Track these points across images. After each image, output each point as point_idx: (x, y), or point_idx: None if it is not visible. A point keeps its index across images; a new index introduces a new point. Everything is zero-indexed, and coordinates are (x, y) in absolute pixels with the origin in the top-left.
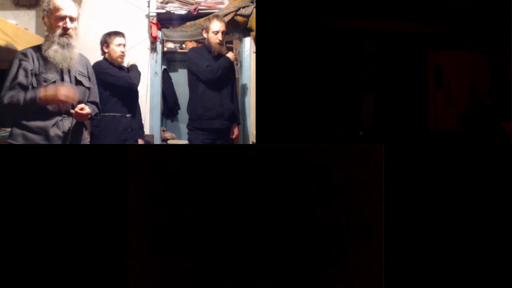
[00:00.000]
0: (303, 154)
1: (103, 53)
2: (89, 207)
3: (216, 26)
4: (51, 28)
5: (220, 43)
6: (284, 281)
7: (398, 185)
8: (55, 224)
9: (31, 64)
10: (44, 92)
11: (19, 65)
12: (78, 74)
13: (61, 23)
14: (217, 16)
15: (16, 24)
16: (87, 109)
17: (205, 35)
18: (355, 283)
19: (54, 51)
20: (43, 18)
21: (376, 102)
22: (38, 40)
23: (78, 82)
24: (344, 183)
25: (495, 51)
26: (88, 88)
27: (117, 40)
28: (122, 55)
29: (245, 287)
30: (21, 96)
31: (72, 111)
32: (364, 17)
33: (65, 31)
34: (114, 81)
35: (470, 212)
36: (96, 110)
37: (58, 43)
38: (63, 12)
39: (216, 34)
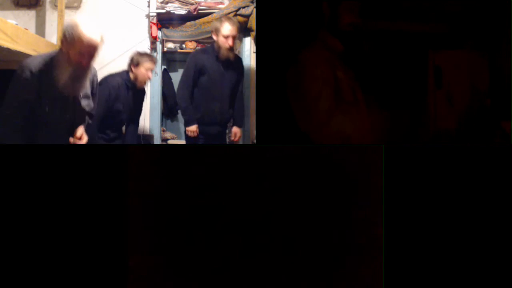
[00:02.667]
0: (303, 154)
1: (130, 70)
2: (89, 208)
3: (227, 29)
4: (68, 58)
5: (230, 49)
6: (284, 281)
7: (398, 185)
8: (54, 225)
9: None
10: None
11: (22, 82)
12: (82, 98)
13: (81, 59)
14: (229, 19)
15: (16, 24)
16: (85, 139)
17: (214, 37)
18: (355, 283)
19: (63, 85)
20: (61, 42)
21: (376, 102)
22: (38, 40)
23: (81, 111)
24: (344, 183)
25: (495, 51)
26: (89, 113)
27: (149, 64)
28: (148, 80)
29: (243, 286)
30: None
31: (71, 139)
32: (364, 17)
33: (82, 65)
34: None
35: (470, 212)
36: (89, 121)
37: (70, 77)
38: (85, 46)
39: (226, 38)
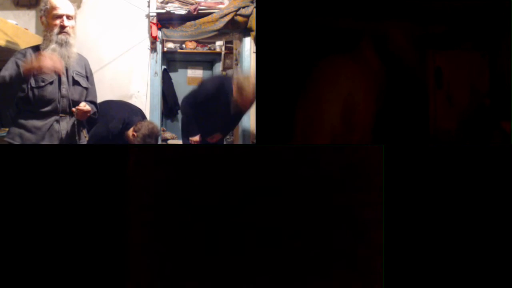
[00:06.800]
0: (303, 154)
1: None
2: (89, 208)
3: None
4: (49, 27)
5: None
6: (284, 282)
7: (398, 185)
8: (54, 226)
9: (29, 63)
10: (27, 65)
11: (15, 63)
12: (76, 74)
13: (58, 22)
14: None
15: (16, 24)
16: (87, 107)
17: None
18: (355, 284)
19: (52, 50)
20: (41, 18)
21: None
22: (38, 40)
23: (76, 82)
24: (344, 183)
25: (495, 51)
26: (86, 88)
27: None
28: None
29: (243, 287)
30: (6, 74)
31: (73, 109)
32: (364, 17)
33: (62, 29)
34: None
35: (470, 212)
36: (95, 109)
37: (56, 42)
38: (59, 11)
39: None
